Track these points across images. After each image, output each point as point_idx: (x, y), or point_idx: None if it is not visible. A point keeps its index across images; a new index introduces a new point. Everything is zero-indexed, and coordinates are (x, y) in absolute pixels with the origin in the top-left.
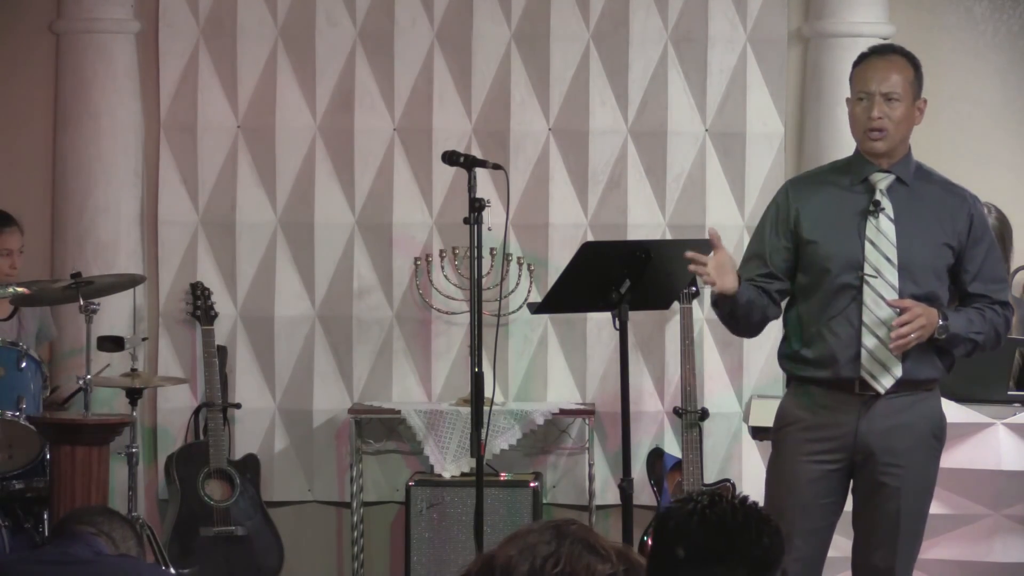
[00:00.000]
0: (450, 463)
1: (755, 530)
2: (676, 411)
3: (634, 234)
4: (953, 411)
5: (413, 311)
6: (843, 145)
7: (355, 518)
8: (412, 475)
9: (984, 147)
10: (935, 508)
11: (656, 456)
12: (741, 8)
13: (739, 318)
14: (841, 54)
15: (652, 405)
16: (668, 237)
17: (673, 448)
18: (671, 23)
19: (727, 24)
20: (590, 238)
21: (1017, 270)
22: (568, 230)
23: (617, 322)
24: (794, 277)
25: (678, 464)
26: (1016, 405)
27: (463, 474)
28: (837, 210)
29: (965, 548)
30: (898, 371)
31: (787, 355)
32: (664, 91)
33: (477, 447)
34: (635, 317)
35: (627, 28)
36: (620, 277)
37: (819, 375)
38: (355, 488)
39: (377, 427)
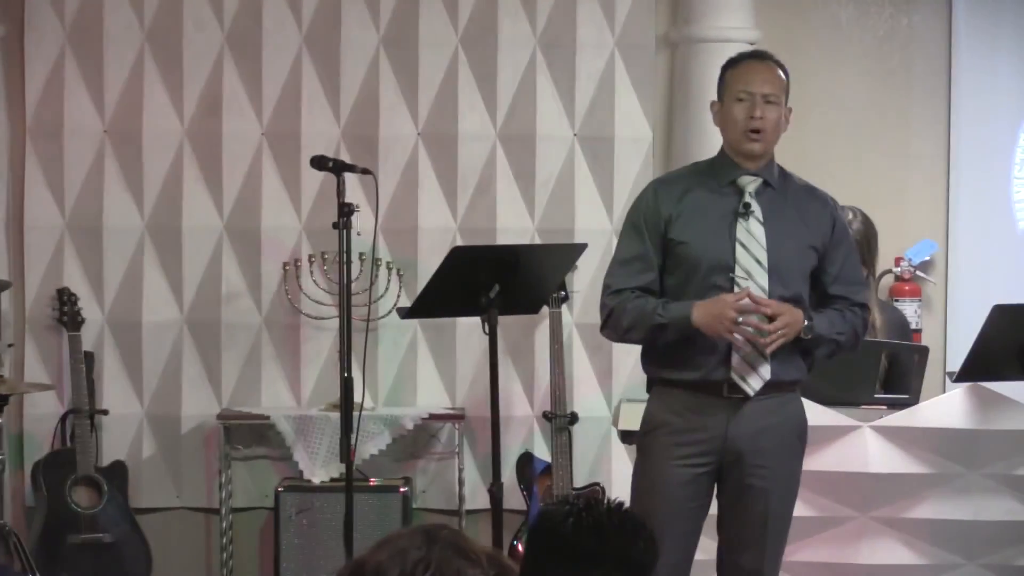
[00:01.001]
0: (319, 468)
1: (630, 534)
2: (546, 415)
3: (503, 238)
4: (820, 414)
5: (282, 316)
6: (711, 150)
7: (224, 524)
8: (281, 481)
9: (850, 151)
10: (803, 510)
11: (526, 460)
12: (609, 13)
13: (663, 340)
14: (709, 59)
15: (522, 409)
16: (537, 242)
17: (543, 452)
18: (539, 28)
19: (595, 29)
20: (459, 243)
21: (883, 274)
22: (437, 235)
23: (486, 327)
24: (661, 278)
25: (548, 468)
26: (883, 408)
27: (333, 479)
28: (706, 212)
29: (833, 550)
30: (766, 373)
31: (653, 357)
32: (533, 96)
33: (347, 452)
34: (504, 321)
35: (495, 33)
36: (489, 282)
37: (687, 377)
38: (224, 494)
39: (246, 433)
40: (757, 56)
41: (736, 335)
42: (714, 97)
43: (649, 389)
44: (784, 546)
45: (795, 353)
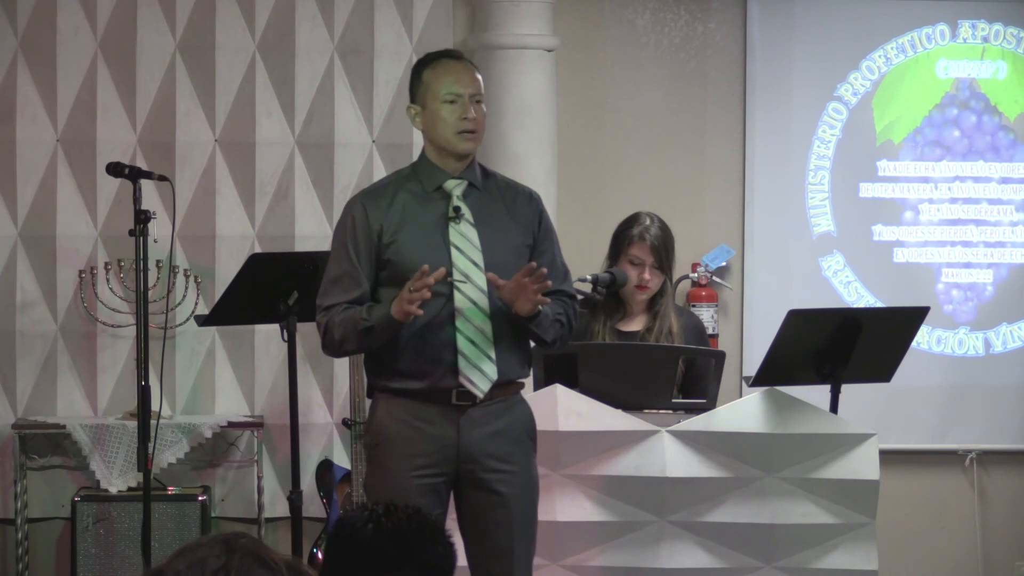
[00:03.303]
0: (117, 478)
1: (430, 539)
2: (345, 422)
3: (302, 245)
4: (619, 419)
5: (78, 324)
6: (506, 154)
7: (20, 535)
8: (78, 490)
9: (647, 157)
10: (601, 515)
11: (325, 468)
12: (407, 20)
13: (373, 343)
14: (507, 66)
15: (321, 417)
16: None
17: (342, 459)
18: (337, 34)
19: (393, 36)
20: (257, 250)
21: (680, 279)
22: (235, 242)
23: (285, 334)
24: (375, 292)
25: (347, 475)
26: (680, 412)
27: (130, 488)
28: (417, 218)
29: (631, 555)
30: (493, 373)
31: (379, 369)
32: (331, 102)
33: (144, 461)
34: (303, 328)
35: (293, 39)
36: (288, 288)
37: (414, 386)
38: (19, 504)
39: (42, 442)
40: (453, 56)
41: (412, 302)
42: (511, 101)
43: (370, 394)
44: (533, 549)
45: (517, 351)
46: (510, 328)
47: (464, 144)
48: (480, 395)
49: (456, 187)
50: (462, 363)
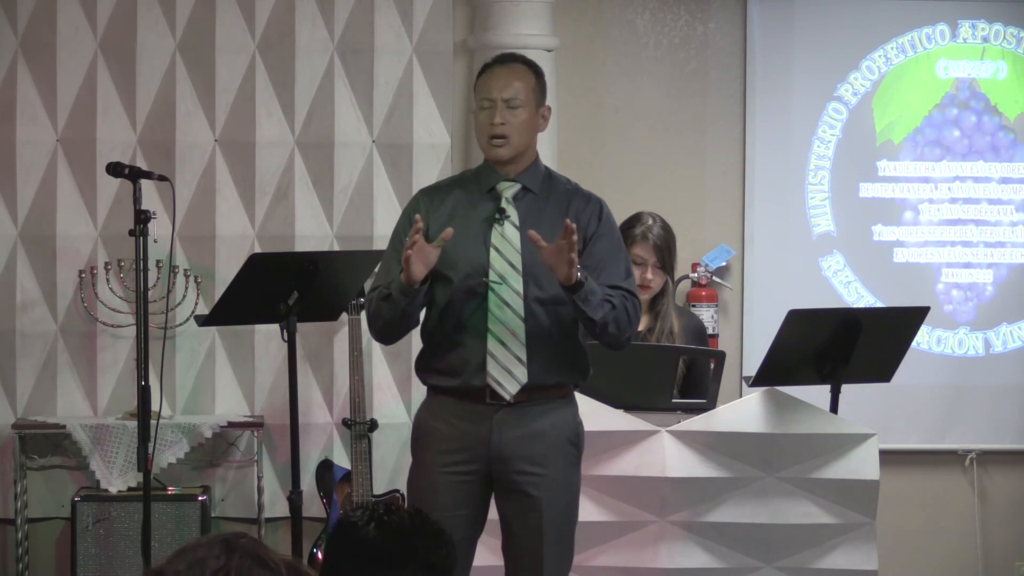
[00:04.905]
0: (117, 478)
1: (431, 537)
2: (345, 422)
3: (302, 245)
4: (619, 420)
5: (78, 324)
6: None
7: (19, 535)
8: (78, 490)
9: (647, 158)
10: (601, 515)
11: (325, 468)
12: (407, 20)
13: (402, 319)
14: None
15: (321, 417)
16: (336, 248)
17: (342, 459)
18: (337, 34)
19: (393, 35)
20: (257, 250)
21: (680, 279)
22: (235, 242)
23: (285, 334)
24: None
25: (347, 475)
26: (680, 413)
27: (130, 488)
28: (464, 218)
29: (631, 555)
30: (523, 376)
31: (422, 365)
32: (331, 102)
33: (144, 461)
34: (303, 328)
35: (293, 39)
36: (288, 288)
37: (450, 384)
38: (19, 504)
39: (42, 442)
40: (501, 60)
41: (406, 261)
42: None
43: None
44: (569, 556)
45: (560, 356)
46: (552, 332)
47: (493, 150)
48: (508, 397)
49: (507, 189)
50: (491, 364)
